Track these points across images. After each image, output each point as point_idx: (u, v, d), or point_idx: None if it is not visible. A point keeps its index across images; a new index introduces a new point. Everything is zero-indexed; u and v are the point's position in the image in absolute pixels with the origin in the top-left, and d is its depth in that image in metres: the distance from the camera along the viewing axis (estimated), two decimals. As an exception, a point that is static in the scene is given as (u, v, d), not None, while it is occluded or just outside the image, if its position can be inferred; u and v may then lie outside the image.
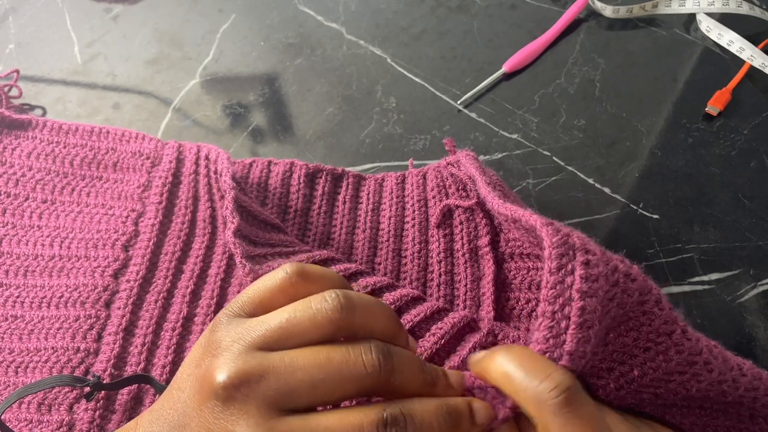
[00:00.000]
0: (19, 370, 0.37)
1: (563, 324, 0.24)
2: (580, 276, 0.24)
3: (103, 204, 0.44)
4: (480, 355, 0.26)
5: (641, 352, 0.27)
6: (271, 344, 0.24)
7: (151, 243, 0.42)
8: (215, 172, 0.43)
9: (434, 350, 0.32)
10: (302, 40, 0.56)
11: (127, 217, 0.43)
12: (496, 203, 0.33)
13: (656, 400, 0.29)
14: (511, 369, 0.24)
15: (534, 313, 0.37)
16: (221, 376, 0.23)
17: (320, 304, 0.24)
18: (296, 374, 0.23)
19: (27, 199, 0.44)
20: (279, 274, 0.26)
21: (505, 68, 0.52)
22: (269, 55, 0.55)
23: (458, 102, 0.51)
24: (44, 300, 0.40)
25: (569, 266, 0.24)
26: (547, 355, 0.24)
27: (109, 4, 0.59)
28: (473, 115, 0.50)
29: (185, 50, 0.56)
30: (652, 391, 0.28)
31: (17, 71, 0.52)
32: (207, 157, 0.45)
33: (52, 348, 0.38)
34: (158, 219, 0.43)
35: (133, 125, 0.51)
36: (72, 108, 0.52)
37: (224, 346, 0.24)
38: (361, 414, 0.23)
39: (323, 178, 0.44)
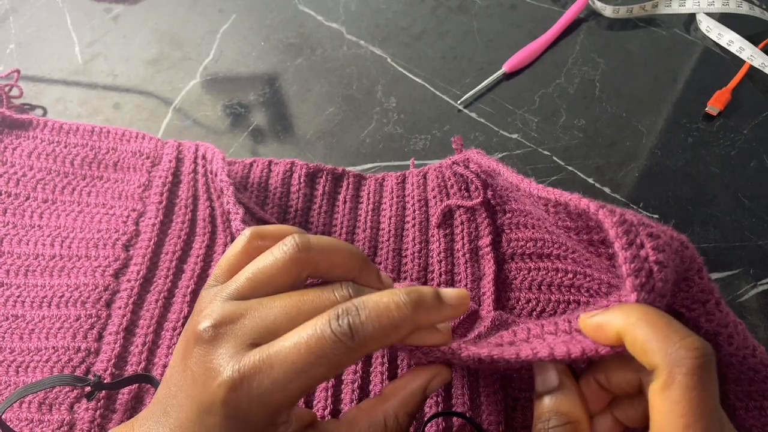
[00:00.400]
0: (19, 369, 0.37)
1: (651, 296, 0.24)
2: (652, 247, 0.24)
3: (103, 204, 0.44)
4: (595, 312, 0.25)
5: (673, 315, 0.27)
6: (245, 294, 0.26)
7: (151, 243, 0.42)
8: (211, 172, 0.43)
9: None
10: (302, 40, 0.56)
11: (127, 216, 0.43)
12: (534, 187, 0.32)
13: None
14: (645, 327, 0.22)
15: (534, 312, 0.37)
16: (203, 324, 0.25)
17: (279, 249, 0.26)
18: (272, 311, 0.25)
19: (28, 198, 0.44)
20: (239, 239, 0.28)
21: (505, 68, 0.52)
22: (269, 55, 0.55)
23: (458, 102, 0.51)
24: (45, 299, 0.40)
25: (638, 240, 0.25)
26: None
27: (109, 4, 0.60)
28: (473, 115, 0.50)
29: (185, 50, 0.56)
30: None
31: (18, 71, 0.52)
32: (204, 157, 0.45)
33: (53, 347, 0.38)
34: (159, 219, 0.43)
35: (133, 125, 0.51)
36: (72, 108, 0.52)
37: (203, 307, 0.26)
38: (316, 319, 0.24)
39: (323, 177, 0.44)
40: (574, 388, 0.26)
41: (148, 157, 0.46)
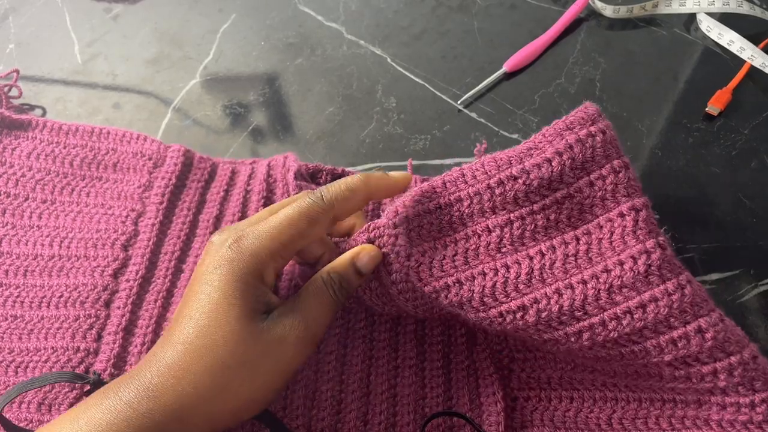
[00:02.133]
0: (18, 369, 0.37)
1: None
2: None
3: (102, 204, 0.44)
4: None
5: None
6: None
7: (150, 242, 0.42)
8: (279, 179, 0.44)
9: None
10: (302, 40, 0.56)
11: (126, 216, 0.43)
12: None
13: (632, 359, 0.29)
14: None
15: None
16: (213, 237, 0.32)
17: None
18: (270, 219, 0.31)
19: (27, 199, 0.44)
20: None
21: (505, 68, 0.52)
22: (269, 55, 0.55)
23: (458, 102, 0.51)
24: (44, 300, 0.40)
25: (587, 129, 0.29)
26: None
27: (109, 3, 0.59)
28: (473, 115, 0.50)
29: (185, 50, 0.56)
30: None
31: (17, 71, 0.52)
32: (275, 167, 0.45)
33: (52, 348, 0.38)
34: (158, 219, 0.43)
35: (133, 125, 0.51)
36: (72, 108, 0.52)
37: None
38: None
39: (323, 177, 0.44)
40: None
41: (150, 159, 0.46)
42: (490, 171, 0.31)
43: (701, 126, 0.48)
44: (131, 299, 0.40)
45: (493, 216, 0.31)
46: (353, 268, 0.32)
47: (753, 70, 0.50)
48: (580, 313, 0.29)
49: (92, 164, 0.46)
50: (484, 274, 0.30)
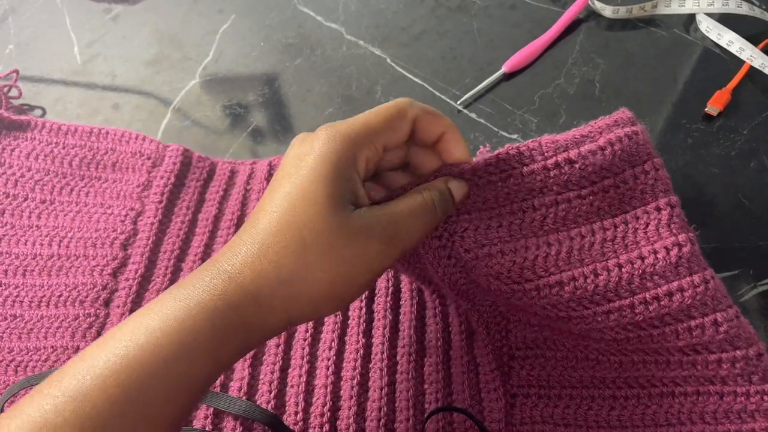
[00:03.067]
0: (18, 369, 0.37)
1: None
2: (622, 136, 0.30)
3: (101, 203, 0.44)
4: None
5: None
6: None
7: (149, 241, 0.42)
8: None
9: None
10: (302, 41, 0.56)
11: (125, 216, 0.43)
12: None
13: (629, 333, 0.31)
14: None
15: None
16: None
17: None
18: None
19: (26, 199, 0.44)
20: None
21: (504, 68, 0.52)
22: (269, 55, 0.55)
23: (458, 102, 0.51)
24: (43, 299, 0.40)
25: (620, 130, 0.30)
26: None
27: (109, 4, 0.60)
28: (473, 115, 0.50)
29: (185, 50, 0.56)
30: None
31: (16, 71, 0.52)
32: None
33: (52, 347, 0.38)
34: (157, 218, 0.43)
35: (132, 125, 0.51)
36: (72, 108, 0.52)
37: None
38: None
39: None
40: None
41: (148, 158, 0.46)
42: (547, 152, 0.32)
43: (700, 126, 0.48)
44: (131, 298, 0.40)
45: (541, 195, 0.32)
46: (447, 188, 0.31)
47: (752, 70, 0.50)
48: (612, 294, 0.30)
49: (91, 164, 0.46)
50: (527, 248, 0.31)
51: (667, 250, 0.30)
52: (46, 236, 0.42)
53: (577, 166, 0.31)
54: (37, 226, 0.43)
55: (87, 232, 0.43)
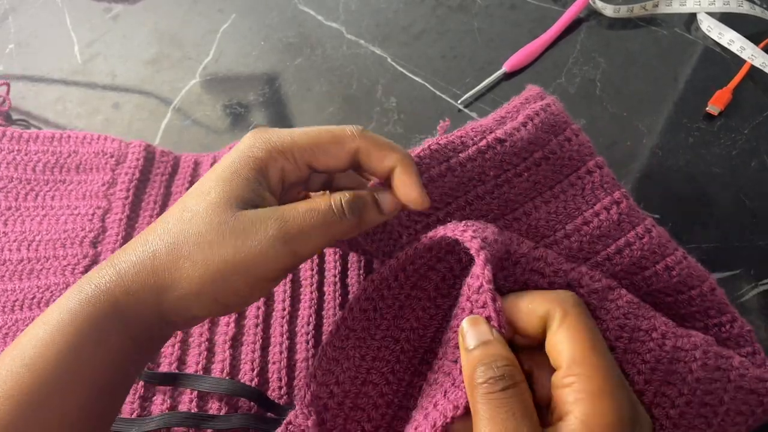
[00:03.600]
0: None
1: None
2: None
3: (68, 205, 0.44)
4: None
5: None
6: None
7: (119, 237, 0.42)
8: None
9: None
10: (302, 40, 0.56)
11: (93, 214, 0.43)
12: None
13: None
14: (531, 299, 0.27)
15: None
16: None
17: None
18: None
19: None
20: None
21: (505, 68, 0.52)
22: (269, 55, 0.55)
23: (458, 102, 0.51)
24: (17, 303, 0.40)
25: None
26: None
27: (109, 3, 0.59)
28: (474, 114, 0.50)
29: (185, 50, 0.56)
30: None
31: (7, 84, 0.51)
32: None
33: None
34: (125, 213, 0.43)
35: (132, 125, 0.51)
36: (72, 108, 0.52)
37: None
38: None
39: None
40: (504, 340, 0.27)
41: (111, 156, 0.46)
42: (476, 137, 0.33)
43: (701, 126, 0.48)
44: None
45: (481, 184, 0.33)
46: (372, 197, 0.29)
47: (753, 69, 0.50)
48: (567, 265, 0.30)
49: (55, 168, 0.46)
50: None
51: (607, 209, 0.32)
52: (14, 241, 0.42)
53: (507, 144, 0.32)
54: (3, 232, 0.43)
55: (55, 234, 0.43)
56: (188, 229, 0.26)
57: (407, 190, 0.29)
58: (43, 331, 0.25)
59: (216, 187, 0.27)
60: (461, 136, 0.32)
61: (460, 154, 0.32)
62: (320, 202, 0.28)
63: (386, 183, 0.30)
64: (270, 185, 0.28)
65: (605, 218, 0.32)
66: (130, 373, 0.28)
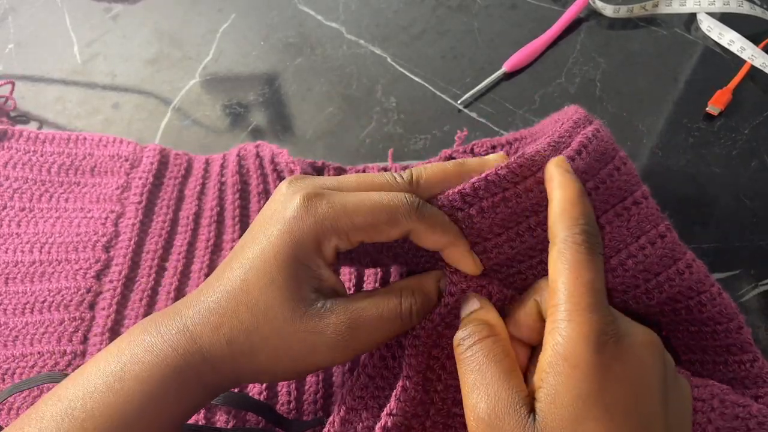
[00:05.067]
0: (5, 377, 0.37)
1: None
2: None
3: (81, 208, 0.44)
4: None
5: (632, 238, 0.31)
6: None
7: (132, 242, 0.42)
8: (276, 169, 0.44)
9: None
10: (302, 40, 0.56)
11: (106, 218, 0.43)
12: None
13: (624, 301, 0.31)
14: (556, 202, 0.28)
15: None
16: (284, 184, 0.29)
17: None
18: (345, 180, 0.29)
19: (5, 208, 0.44)
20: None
21: (505, 68, 0.52)
22: (269, 55, 0.55)
23: (458, 102, 0.50)
24: (27, 306, 0.40)
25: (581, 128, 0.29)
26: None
27: (108, 3, 0.59)
28: (473, 114, 0.50)
29: (185, 50, 0.56)
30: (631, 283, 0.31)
31: (12, 83, 0.51)
32: (265, 157, 0.45)
33: (38, 353, 0.38)
34: (138, 218, 0.43)
35: (132, 125, 0.51)
36: (71, 108, 0.52)
37: None
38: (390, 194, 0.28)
39: (328, 173, 0.45)
40: (494, 310, 0.28)
41: (126, 160, 0.46)
42: (533, 167, 0.30)
43: (701, 126, 0.48)
44: (116, 299, 0.40)
45: (534, 215, 0.31)
46: (437, 291, 0.29)
47: (753, 70, 0.50)
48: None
49: (69, 170, 0.46)
50: (530, 268, 0.31)
51: (652, 243, 0.30)
52: (27, 243, 0.42)
53: None
54: (17, 233, 0.43)
55: (68, 237, 0.42)
56: (261, 319, 0.27)
57: (459, 265, 0.30)
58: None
59: (279, 276, 0.27)
60: (520, 165, 0.30)
61: (518, 186, 0.30)
62: (391, 305, 0.28)
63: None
64: (327, 262, 0.28)
65: (650, 252, 0.30)
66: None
